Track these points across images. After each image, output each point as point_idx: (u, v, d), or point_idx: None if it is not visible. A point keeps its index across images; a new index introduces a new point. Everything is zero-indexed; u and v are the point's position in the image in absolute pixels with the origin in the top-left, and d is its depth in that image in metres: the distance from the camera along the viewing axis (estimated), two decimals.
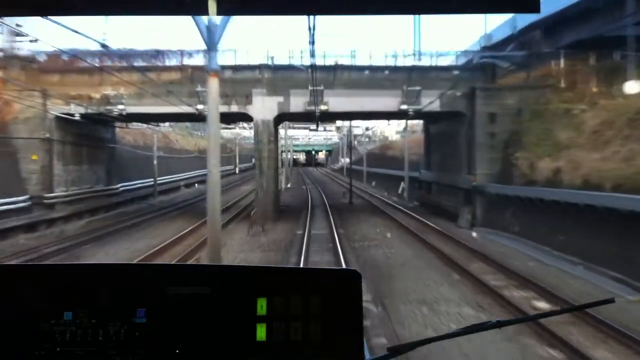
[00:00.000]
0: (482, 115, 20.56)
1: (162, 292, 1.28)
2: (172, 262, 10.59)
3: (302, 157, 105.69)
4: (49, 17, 4.89)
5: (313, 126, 74.76)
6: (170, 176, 38.61)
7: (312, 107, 21.27)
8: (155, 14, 0.91)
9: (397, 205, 27.95)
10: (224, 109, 21.41)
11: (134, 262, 11.27)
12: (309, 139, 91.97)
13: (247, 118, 23.80)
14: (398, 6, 0.88)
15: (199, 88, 19.74)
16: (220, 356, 1.26)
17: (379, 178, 44.35)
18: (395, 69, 22.54)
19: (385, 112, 23.40)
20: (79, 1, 0.85)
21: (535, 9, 0.83)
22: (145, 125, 33.81)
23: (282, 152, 44.52)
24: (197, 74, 20.31)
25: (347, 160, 57.91)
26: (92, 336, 1.25)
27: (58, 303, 1.27)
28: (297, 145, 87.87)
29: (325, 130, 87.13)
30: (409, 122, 35.80)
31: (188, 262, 11.69)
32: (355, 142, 58.21)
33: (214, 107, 9.83)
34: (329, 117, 29.53)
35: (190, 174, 43.21)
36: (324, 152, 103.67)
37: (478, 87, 20.83)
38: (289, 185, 45.62)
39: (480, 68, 22.08)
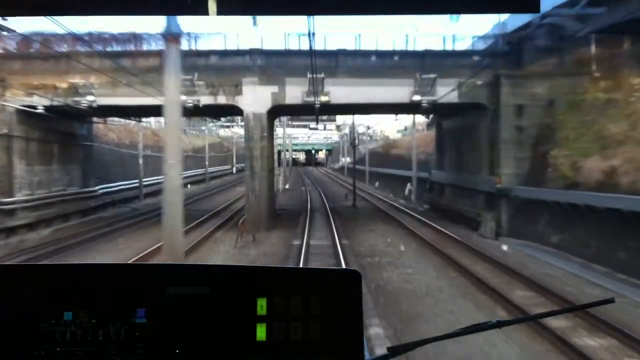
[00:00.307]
0: (508, 106, 17.83)
1: (162, 292, 1.25)
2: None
3: (301, 156, 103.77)
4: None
5: (313, 124, 72.59)
6: (160, 177, 35.87)
7: (312, 99, 18.48)
8: (155, 13, 0.90)
9: (405, 209, 25.19)
10: (209, 100, 18.71)
11: None
12: (309, 137, 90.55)
13: (236, 111, 20.94)
14: (398, 6, 0.87)
15: (182, 76, 16.95)
16: (220, 356, 1.24)
17: (383, 178, 41.78)
18: (406, 54, 19.67)
19: (394, 104, 20.46)
20: (79, 1, 0.83)
21: (535, 9, 0.83)
22: (130, 122, 31.12)
23: (279, 151, 41.91)
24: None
25: (348, 159, 55.33)
26: (92, 336, 1.24)
27: (58, 303, 1.25)
28: (296, 144, 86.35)
29: (325, 129, 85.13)
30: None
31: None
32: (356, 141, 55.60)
33: (172, 84, 7.07)
34: (331, 110, 26.38)
35: (182, 175, 40.43)
36: (323, 151, 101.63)
37: (503, 74, 18.03)
38: (287, 186, 42.85)
39: (504, 53, 19.23)
